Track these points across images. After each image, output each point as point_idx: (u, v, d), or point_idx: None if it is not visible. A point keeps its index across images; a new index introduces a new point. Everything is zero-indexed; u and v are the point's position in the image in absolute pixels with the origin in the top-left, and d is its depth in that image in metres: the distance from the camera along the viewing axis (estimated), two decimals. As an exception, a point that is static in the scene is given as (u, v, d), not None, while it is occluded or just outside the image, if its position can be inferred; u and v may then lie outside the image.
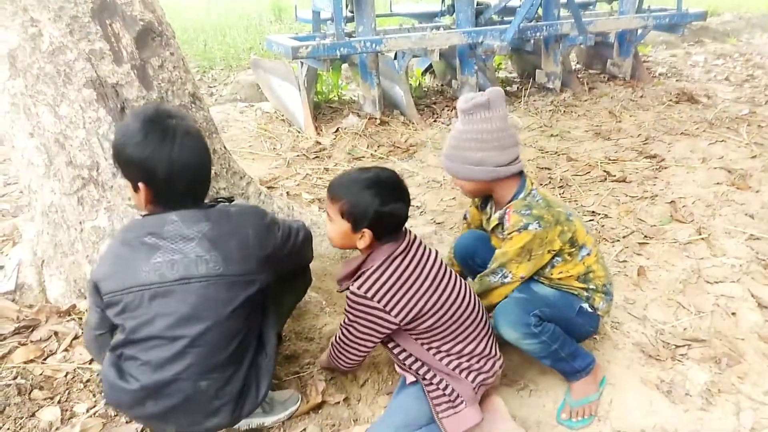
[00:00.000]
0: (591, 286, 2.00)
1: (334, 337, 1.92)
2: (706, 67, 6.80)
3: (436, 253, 1.85)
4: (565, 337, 1.94)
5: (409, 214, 1.77)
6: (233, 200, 1.84)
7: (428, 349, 1.80)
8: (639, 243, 3.04)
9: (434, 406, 1.81)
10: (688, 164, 3.99)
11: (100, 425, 1.89)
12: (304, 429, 1.93)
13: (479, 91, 5.16)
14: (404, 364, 1.85)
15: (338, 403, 2.03)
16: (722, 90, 5.79)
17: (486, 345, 1.86)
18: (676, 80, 6.18)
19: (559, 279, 1.99)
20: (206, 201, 1.72)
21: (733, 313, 2.47)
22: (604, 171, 3.94)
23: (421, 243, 1.83)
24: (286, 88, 4.95)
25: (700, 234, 3.09)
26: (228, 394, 1.65)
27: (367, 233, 1.69)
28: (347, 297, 1.76)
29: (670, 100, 5.37)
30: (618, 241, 3.07)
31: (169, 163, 1.55)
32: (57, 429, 1.86)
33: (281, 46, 4.52)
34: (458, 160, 1.91)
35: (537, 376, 2.15)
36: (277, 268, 1.77)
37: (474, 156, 1.87)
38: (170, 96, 2.26)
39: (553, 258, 1.96)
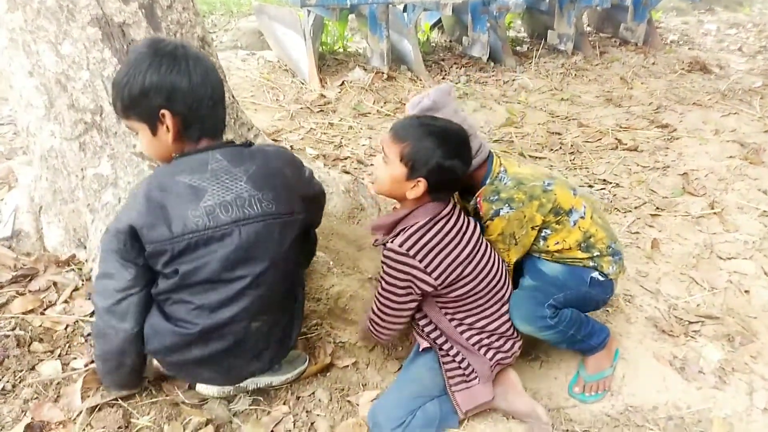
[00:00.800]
0: (595, 253, 1.92)
1: (370, 307, 1.84)
2: (718, 37, 6.66)
3: (475, 223, 1.79)
4: (581, 320, 1.88)
5: None
6: (252, 144, 1.73)
7: (451, 320, 1.75)
8: (651, 214, 2.99)
9: (448, 378, 1.77)
10: (701, 135, 3.92)
11: (99, 380, 1.83)
12: (313, 392, 1.88)
13: (490, 49, 5.04)
14: (423, 332, 1.80)
15: (347, 366, 1.99)
16: (735, 61, 5.68)
17: (509, 324, 1.82)
18: (689, 48, 6.05)
19: (558, 251, 1.91)
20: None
21: (747, 291, 2.44)
22: (616, 139, 3.86)
23: (461, 211, 1.77)
24: (290, 37, 4.77)
25: (712, 208, 3.04)
26: (274, 336, 1.65)
27: (422, 183, 1.62)
28: (384, 254, 1.68)
29: (683, 69, 5.26)
30: (630, 211, 3.01)
31: (189, 82, 1.47)
32: (57, 383, 1.80)
33: (288, -8, 4.33)
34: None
35: (549, 348, 2.11)
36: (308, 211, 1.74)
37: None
38: (179, 38, 2.13)
39: (540, 231, 1.89)
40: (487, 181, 1.84)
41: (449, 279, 1.66)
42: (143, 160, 2.09)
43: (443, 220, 1.67)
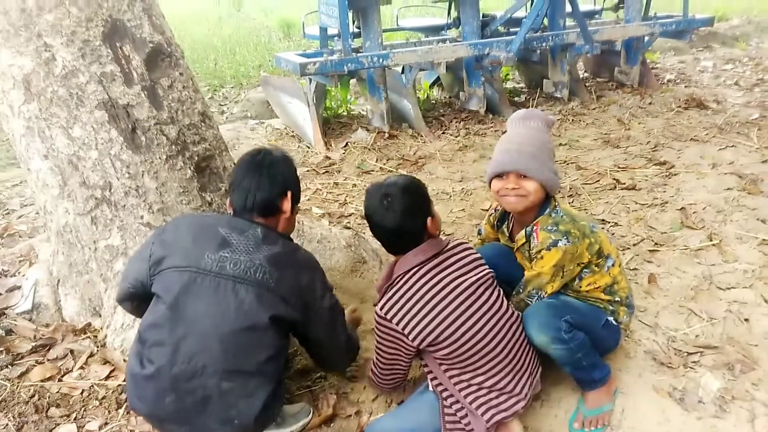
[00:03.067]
0: (616, 298, 2.03)
1: (372, 358, 1.97)
2: (715, 73, 6.78)
3: (478, 268, 1.86)
4: (590, 347, 1.94)
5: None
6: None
7: (450, 377, 1.80)
8: (650, 250, 3.03)
9: (445, 428, 1.81)
10: (699, 170, 3.98)
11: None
12: (316, 442, 1.94)
13: (487, 102, 5.22)
14: (431, 384, 1.86)
15: (350, 416, 2.04)
16: (732, 95, 5.77)
17: (512, 381, 1.82)
18: (685, 86, 6.17)
19: (587, 291, 2.01)
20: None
21: (746, 319, 2.45)
22: (614, 179, 3.93)
23: (457, 254, 1.84)
24: (295, 105, 5.01)
25: (711, 240, 3.07)
26: (248, 406, 1.69)
27: None
28: (374, 319, 1.82)
29: (679, 107, 5.37)
30: (628, 248, 3.06)
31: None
32: (73, 446, 1.89)
33: (290, 63, 4.59)
34: (542, 163, 1.92)
35: (549, 386, 2.14)
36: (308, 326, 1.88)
37: (552, 165, 1.94)
38: (180, 115, 2.31)
39: (581, 270, 1.98)
40: (546, 212, 1.95)
41: (428, 340, 1.72)
42: (150, 230, 2.23)
43: (425, 268, 1.77)
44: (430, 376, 1.86)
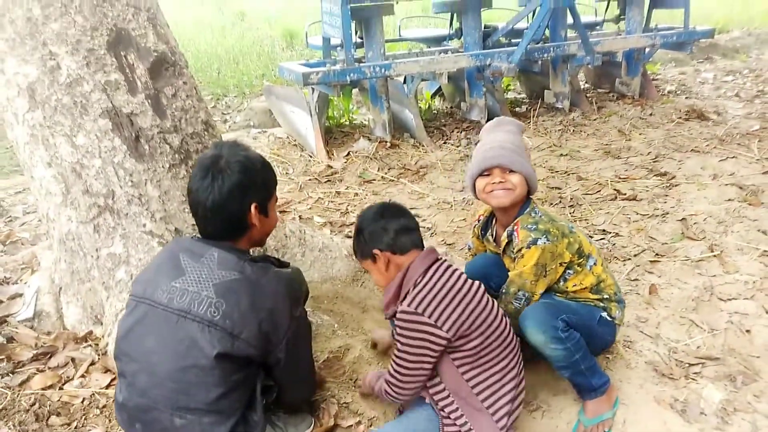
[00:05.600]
0: (605, 296, 2.06)
1: (387, 370, 1.88)
2: (715, 84, 6.80)
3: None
4: (586, 350, 1.96)
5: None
6: (287, 265, 1.90)
7: (468, 380, 1.79)
8: (650, 261, 3.03)
9: None
10: (699, 181, 3.98)
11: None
12: (317, 452, 1.93)
13: (488, 112, 5.24)
14: (433, 399, 1.85)
15: (351, 426, 2.04)
16: (732, 106, 5.79)
17: (520, 377, 1.90)
18: (686, 97, 6.19)
19: (574, 292, 2.05)
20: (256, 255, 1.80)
21: (748, 331, 2.45)
22: (615, 189, 3.94)
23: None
24: (298, 114, 5.03)
25: (712, 251, 3.08)
26: None
27: (379, 254, 1.80)
28: (397, 318, 1.77)
29: (680, 118, 5.38)
30: (629, 259, 3.06)
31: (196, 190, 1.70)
32: (74, 454, 1.89)
33: (293, 73, 4.61)
34: (522, 158, 1.99)
35: (549, 397, 2.14)
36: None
37: (530, 166, 2.02)
38: (183, 124, 2.32)
39: (565, 271, 2.02)
40: (526, 211, 2.01)
41: (461, 330, 1.73)
42: (153, 238, 2.23)
43: (442, 265, 1.79)
44: (439, 396, 1.83)
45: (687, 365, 2.27)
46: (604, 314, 2.06)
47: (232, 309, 1.60)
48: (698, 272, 2.91)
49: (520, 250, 1.97)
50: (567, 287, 2.04)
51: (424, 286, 1.75)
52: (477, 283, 1.84)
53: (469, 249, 2.43)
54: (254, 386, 1.72)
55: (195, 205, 1.69)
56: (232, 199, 1.66)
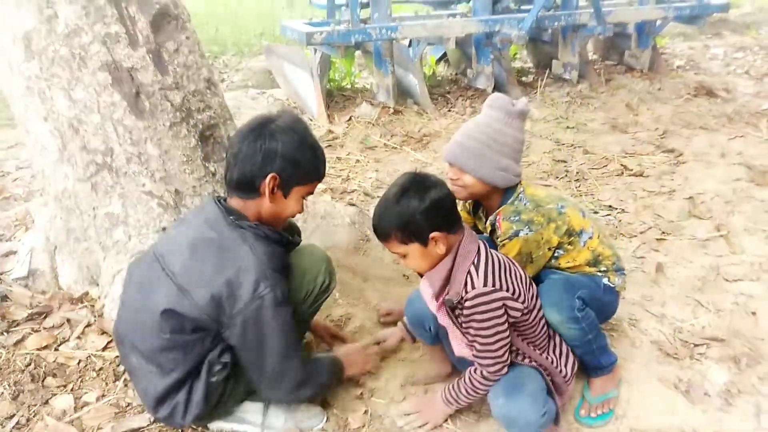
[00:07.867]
0: (602, 268, 2.01)
1: (468, 373, 1.79)
2: (725, 61, 6.68)
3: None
4: (599, 329, 1.95)
5: None
6: (296, 240, 1.90)
7: (533, 348, 1.83)
8: (657, 239, 2.99)
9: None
10: (707, 159, 3.92)
11: (111, 414, 1.88)
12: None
13: (495, 81, 5.13)
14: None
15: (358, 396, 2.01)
16: (742, 84, 5.69)
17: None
18: (695, 73, 6.08)
19: (569, 268, 1.99)
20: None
21: (753, 313, 2.42)
22: (621, 165, 3.88)
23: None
24: (299, 75, 4.90)
25: (718, 231, 3.04)
26: (150, 385, 1.72)
27: (437, 235, 1.65)
28: (471, 303, 1.65)
29: (689, 94, 5.28)
30: (635, 236, 3.02)
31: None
32: (70, 416, 1.85)
33: (296, 32, 4.48)
34: (483, 159, 1.86)
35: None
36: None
37: (501, 161, 1.87)
38: (185, 81, 2.23)
39: (554, 252, 1.96)
40: (509, 200, 1.92)
41: (528, 301, 1.75)
42: (152, 198, 2.17)
43: (483, 247, 1.73)
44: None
45: (692, 345, 2.24)
46: (606, 280, 2.00)
47: (192, 266, 1.63)
48: (704, 252, 2.87)
49: (503, 241, 1.91)
50: (560, 265, 1.98)
51: (486, 264, 1.68)
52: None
53: None
54: (202, 358, 1.68)
55: (229, 147, 1.74)
56: (257, 157, 1.63)
